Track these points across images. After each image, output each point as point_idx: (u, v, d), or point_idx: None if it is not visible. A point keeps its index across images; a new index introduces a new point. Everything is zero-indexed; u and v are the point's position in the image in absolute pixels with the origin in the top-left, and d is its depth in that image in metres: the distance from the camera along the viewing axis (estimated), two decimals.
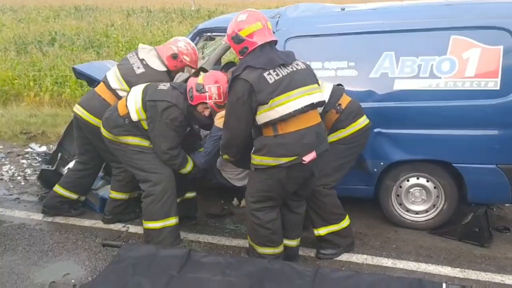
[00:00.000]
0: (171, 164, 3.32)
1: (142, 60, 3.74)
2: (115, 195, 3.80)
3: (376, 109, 3.58)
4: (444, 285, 2.70)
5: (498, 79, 3.38)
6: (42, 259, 3.35)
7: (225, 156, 3.08)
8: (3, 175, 5.05)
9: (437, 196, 3.71)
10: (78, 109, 3.77)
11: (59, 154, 4.72)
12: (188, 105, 3.23)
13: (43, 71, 9.80)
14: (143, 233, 3.44)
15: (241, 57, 2.86)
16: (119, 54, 10.88)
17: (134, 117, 3.25)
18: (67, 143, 4.84)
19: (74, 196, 3.98)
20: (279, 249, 3.06)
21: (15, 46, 12.23)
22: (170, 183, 3.32)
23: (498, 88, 3.38)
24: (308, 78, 2.86)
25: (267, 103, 2.69)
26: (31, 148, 5.89)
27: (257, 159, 2.81)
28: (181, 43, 3.79)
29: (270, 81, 2.70)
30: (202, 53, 4.78)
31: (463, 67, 3.44)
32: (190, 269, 2.89)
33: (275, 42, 2.89)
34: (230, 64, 4.81)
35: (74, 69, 4.43)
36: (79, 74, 4.42)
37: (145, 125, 3.27)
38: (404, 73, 3.54)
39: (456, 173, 3.59)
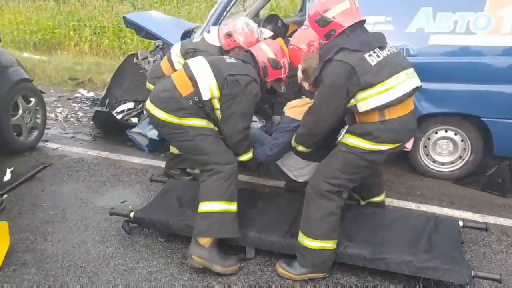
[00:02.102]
0: (239, 146, 2.99)
1: (202, 33, 3.89)
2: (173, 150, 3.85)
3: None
4: (460, 222, 2.98)
5: None
6: (102, 188, 3.81)
7: (300, 148, 2.89)
8: (57, 116, 5.52)
9: (464, 149, 3.92)
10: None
11: (107, 99, 5.11)
12: (262, 81, 3.00)
13: (82, 22, 10.11)
14: (196, 219, 2.83)
15: (327, 41, 2.61)
16: (153, 6, 11.05)
17: (206, 95, 2.80)
18: (114, 89, 5.23)
19: None
20: (335, 244, 2.73)
21: None
22: (236, 165, 2.93)
23: None
24: (405, 61, 2.64)
25: (373, 86, 2.45)
26: (80, 93, 6.32)
27: (356, 141, 2.55)
28: (239, 22, 3.67)
29: (372, 63, 2.45)
30: (243, 6, 4.96)
31: (499, 24, 3.54)
32: None
33: (363, 21, 2.62)
34: (273, 17, 4.94)
35: (124, 18, 4.71)
36: (129, 23, 4.70)
37: (215, 103, 2.84)
38: (440, 28, 3.67)
39: (483, 126, 3.77)
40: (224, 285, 2.67)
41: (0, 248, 2.80)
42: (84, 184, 3.85)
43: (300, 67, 2.92)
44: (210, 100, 2.82)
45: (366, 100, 2.47)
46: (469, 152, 3.91)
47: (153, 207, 3.19)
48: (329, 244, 2.66)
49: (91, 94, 6.31)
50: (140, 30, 4.68)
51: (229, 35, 3.62)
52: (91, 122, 5.10)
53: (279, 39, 4.18)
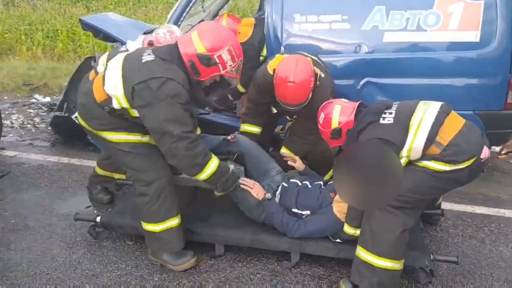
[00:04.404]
0: (190, 156, 2.46)
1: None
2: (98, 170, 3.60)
3: (366, 60, 3.89)
4: None
5: (479, 32, 3.69)
6: (64, 194, 3.74)
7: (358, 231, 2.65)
8: (13, 123, 5.35)
9: None
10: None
11: (65, 104, 4.99)
12: (191, 80, 2.52)
13: (33, 25, 9.79)
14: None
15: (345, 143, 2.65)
16: (108, 8, 10.85)
17: (116, 105, 2.51)
18: (72, 93, 5.08)
19: None
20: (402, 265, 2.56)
21: None
22: (165, 179, 2.68)
23: (478, 40, 3.70)
24: (412, 100, 2.62)
25: (408, 134, 2.38)
26: (35, 99, 6.13)
27: (435, 164, 2.38)
28: (162, 30, 3.45)
29: (391, 121, 2.44)
30: (203, 6, 4.98)
31: (447, 21, 3.74)
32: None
33: (360, 103, 2.70)
34: None
35: (81, 20, 4.61)
36: (85, 26, 4.60)
37: (133, 112, 2.52)
38: (394, 26, 3.83)
39: None
40: (195, 283, 2.69)
41: None
42: (45, 191, 3.76)
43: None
44: (121, 109, 2.50)
45: (413, 148, 2.38)
46: None
47: (119, 211, 3.17)
48: (393, 264, 2.49)
49: (47, 99, 6.14)
50: (97, 33, 4.58)
51: (150, 44, 3.37)
52: (49, 128, 4.96)
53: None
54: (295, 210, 2.90)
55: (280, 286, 2.67)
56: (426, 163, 2.40)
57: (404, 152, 2.40)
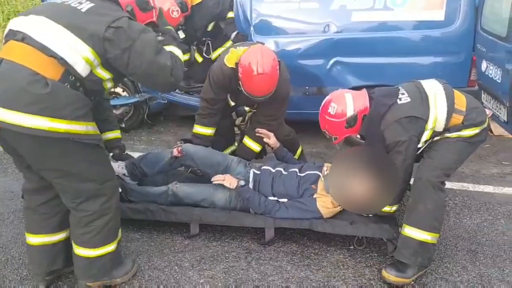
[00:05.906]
0: (182, 71, 2.27)
1: None
2: None
3: (335, 39, 3.94)
4: None
5: (443, 11, 3.78)
6: None
7: (395, 208, 2.80)
8: None
9: None
10: None
11: None
12: None
13: None
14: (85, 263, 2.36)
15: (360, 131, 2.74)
16: None
17: (85, 69, 2.03)
18: None
19: None
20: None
21: None
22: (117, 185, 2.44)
23: (443, 19, 3.80)
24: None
25: (430, 106, 2.55)
26: None
27: (469, 131, 2.56)
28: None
29: (409, 99, 2.57)
30: None
31: (413, 0, 3.81)
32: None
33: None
34: None
35: (43, 1, 4.47)
36: None
37: (99, 73, 2.10)
38: (361, 5, 3.88)
39: None
40: (170, 263, 2.71)
41: None
42: (13, 177, 3.68)
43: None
44: (91, 71, 2.06)
45: (437, 118, 2.54)
46: None
47: None
48: (437, 238, 2.61)
49: None
50: None
51: None
52: None
53: None
54: (271, 198, 2.91)
55: (255, 263, 2.72)
56: (459, 133, 2.56)
57: (430, 124, 2.55)
